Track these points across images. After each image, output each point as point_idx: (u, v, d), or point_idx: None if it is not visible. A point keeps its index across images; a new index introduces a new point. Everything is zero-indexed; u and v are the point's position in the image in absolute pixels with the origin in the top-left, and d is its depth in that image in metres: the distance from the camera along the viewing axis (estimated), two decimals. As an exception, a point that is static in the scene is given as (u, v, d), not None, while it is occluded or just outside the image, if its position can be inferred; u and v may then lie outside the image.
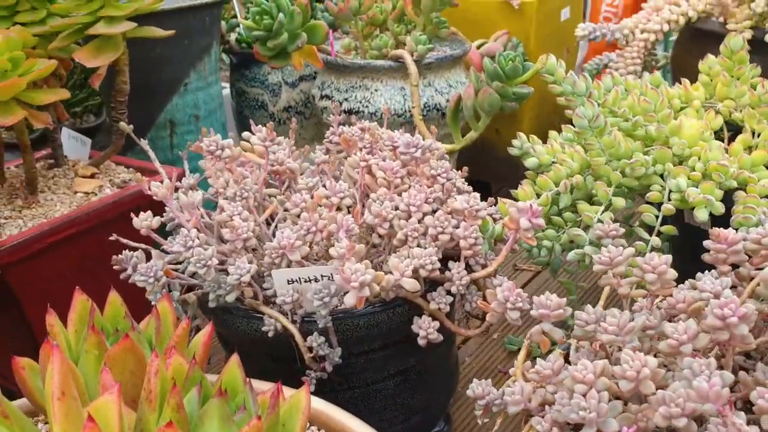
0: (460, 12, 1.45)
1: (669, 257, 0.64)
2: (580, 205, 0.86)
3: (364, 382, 0.79)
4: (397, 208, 0.76)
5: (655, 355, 0.62)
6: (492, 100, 1.10)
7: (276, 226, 0.81)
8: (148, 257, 0.78)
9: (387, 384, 0.80)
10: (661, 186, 0.82)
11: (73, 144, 1.08)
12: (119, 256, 0.76)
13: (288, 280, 0.72)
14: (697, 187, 0.79)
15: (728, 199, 0.79)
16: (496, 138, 1.53)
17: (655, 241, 0.81)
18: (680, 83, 0.98)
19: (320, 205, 0.78)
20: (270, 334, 0.72)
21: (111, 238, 0.80)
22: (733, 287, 0.67)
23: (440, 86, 1.27)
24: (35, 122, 0.84)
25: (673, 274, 0.63)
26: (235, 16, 1.54)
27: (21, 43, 0.82)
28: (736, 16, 1.24)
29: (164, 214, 0.81)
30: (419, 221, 0.75)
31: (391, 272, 0.72)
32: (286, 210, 0.81)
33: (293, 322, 0.72)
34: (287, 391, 0.59)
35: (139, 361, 0.57)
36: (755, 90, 0.90)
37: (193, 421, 0.49)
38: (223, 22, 1.43)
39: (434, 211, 0.77)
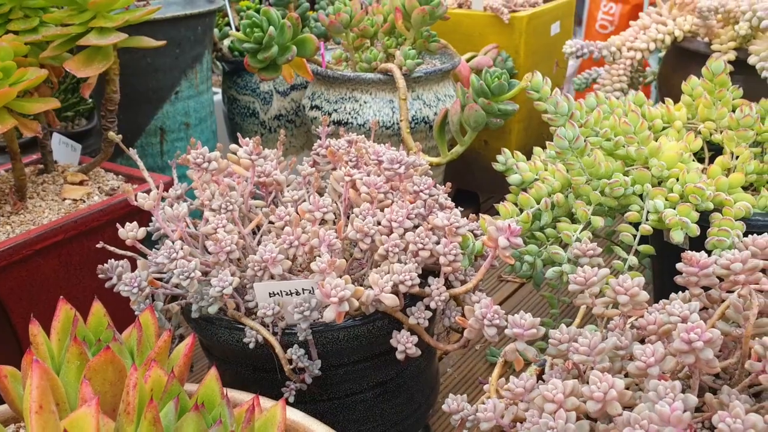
0: (451, 25, 1.47)
1: (641, 279, 0.65)
2: (559, 224, 0.88)
3: (344, 393, 0.80)
4: (379, 223, 0.77)
5: (626, 375, 0.63)
6: (478, 117, 1.11)
7: (261, 237, 0.82)
8: (134, 266, 0.79)
9: (366, 395, 0.81)
10: (640, 206, 0.84)
11: (63, 149, 1.09)
12: (104, 265, 0.77)
13: (270, 293, 0.73)
14: (674, 209, 0.81)
15: (706, 220, 0.80)
16: (485, 149, 1.55)
17: (632, 260, 0.83)
18: (664, 102, 1.00)
19: (305, 219, 0.79)
20: (251, 346, 0.73)
21: (98, 245, 0.81)
22: (704, 308, 0.69)
23: (429, 99, 1.28)
24: (25, 131, 0.85)
25: (644, 296, 0.65)
26: (228, 24, 1.56)
27: (12, 53, 0.83)
28: (721, 37, 1.27)
29: (150, 223, 0.82)
30: (401, 237, 0.77)
31: (371, 287, 0.73)
32: (270, 222, 0.82)
33: (274, 334, 0.74)
34: (266, 403, 0.60)
35: (120, 372, 0.58)
36: (734, 113, 0.91)
37: (170, 434, 0.51)
38: (216, 30, 1.44)
39: (416, 227, 0.78)
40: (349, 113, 1.26)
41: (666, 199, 0.82)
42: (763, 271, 0.63)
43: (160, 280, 0.77)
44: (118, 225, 0.77)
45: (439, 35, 1.34)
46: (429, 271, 0.79)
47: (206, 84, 1.34)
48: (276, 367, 0.75)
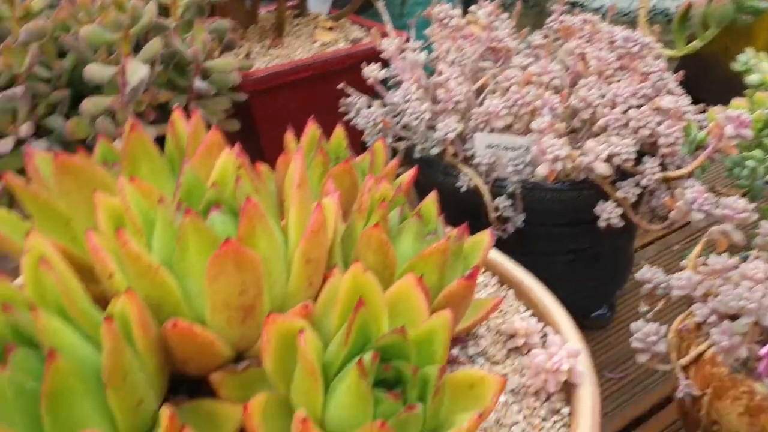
0: None
1: None
2: (794, 128, 0.84)
3: (540, 252, 0.85)
4: (603, 96, 0.79)
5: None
6: (724, 11, 1.06)
7: (485, 97, 0.87)
8: (370, 107, 0.87)
9: (560, 258, 0.86)
10: None
11: (315, 0, 1.20)
12: (346, 100, 0.86)
13: (488, 145, 0.78)
14: None
15: None
16: (725, 55, 1.46)
17: None
18: None
19: (530, 83, 0.83)
20: (462, 189, 0.80)
21: (339, 85, 0.90)
22: None
23: (674, -9, 1.23)
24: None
25: None
26: None
27: None
28: None
29: (388, 70, 0.90)
30: (623, 113, 0.78)
31: (585, 155, 0.76)
32: (497, 83, 0.86)
33: (486, 183, 0.79)
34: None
35: (354, 183, 0.67)
36: None
37: (392, 233, 0.59)
38: None
39: (639, 106, 0.79)
40: (587, -4, 1.25)
41: None
42: None
43: (391, 121, 0.85)
44: (362, 66, 0.85)
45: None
46: (643, 153, 0.81)
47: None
48: (481, 213, 0.81)
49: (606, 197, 0.79)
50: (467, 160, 0.82)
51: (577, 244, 0.85)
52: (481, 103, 0.87)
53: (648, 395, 0.90)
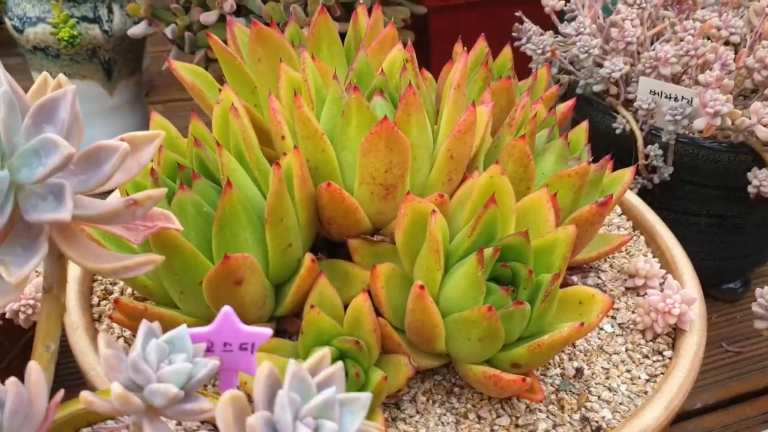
0: None
1: None
2: None
3: (681, 210, 0.85)
4: (783, 61, 0.77)
5: None
6: None
7: (660, 44, 0.87)
8: (542, 35, 0.89)
9: (701, 221, 0.85)
10: None
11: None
12: (521, 26, 0.88)
13: (651, 90, 0.79)
14: None
15: None
16: None
17: None
18: None
19: (708, 38, 0.81)
20: (617, 131, 0.81)
21: (516, 13, 0.92)
22: None
23: None
24: None
25: None
26: None
27: None
28: None
29: (567, 5, 0.91)
30: (801, 81, 0.76)
31: (749, 117, 0.75)
32: (674, 32, 0.85)
33: (641, 128, 0.80)
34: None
35: (511, 101, 0.70)
36: None
37: (537, 150, 0.62)
38: None
39: (822, 78, 0.76)
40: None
41: None
42: None
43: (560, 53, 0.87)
44: (541, -6, 0.87)
45: None
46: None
47: None
48: (630, 159, 0.82)
49: (762, 164, 0.78)
50: (627, 103, 0.83)
51: (722, 209, 0.84)
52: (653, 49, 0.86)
53: (762, 376, 0.89)
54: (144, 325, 0.32)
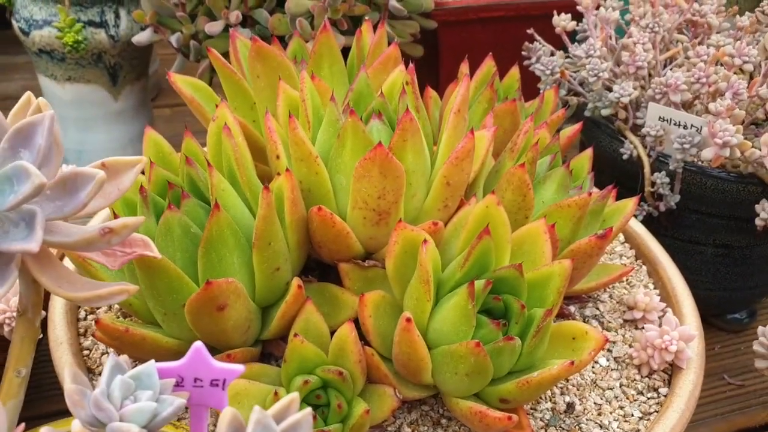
0: None
1: None
2: None
3: (687, 239, 0.83)
4: (798, 93, 0.75)
5: None
6: None
7: (671, 70, 0.85)
8: (552, 55, 0.88)
9: (707, 250, 0.84)
10: None
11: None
12: (530, 44, 0.87)
13: (660, 117, 0.77)
14: None
15: None
16: None
17: None
18: None
19: (721, 64, 0.79)
20: (624, 157, 0.79)
21: (528, 31, 0.91)
22: None
23: None
24: None
25: None
26: None
27: None
28: None
29: (578, 25, 0.89)
30: (815, 114, 0.74)
31: (759, 149, 0.73)
32: (687, 58, 0.84)
33: (648, 155, 0.79)
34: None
35: (515, 124, 0.69)
36: None
37: (538, 178, 0.61)
38: None
39: (836, 111, 0.74)
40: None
41: None
42: None
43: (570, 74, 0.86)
44: (554, 12, 0.86)
45: None
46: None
47: None
48: (636, 185, 0.81)
49: (771, 196, 0.76)
50: (636, 128, 0.81)
51: (729, 239, 0.82)
52: (664, 74, 0.85)
53: (764, 411, 0.87)
54: (111, 360, 0.32)
